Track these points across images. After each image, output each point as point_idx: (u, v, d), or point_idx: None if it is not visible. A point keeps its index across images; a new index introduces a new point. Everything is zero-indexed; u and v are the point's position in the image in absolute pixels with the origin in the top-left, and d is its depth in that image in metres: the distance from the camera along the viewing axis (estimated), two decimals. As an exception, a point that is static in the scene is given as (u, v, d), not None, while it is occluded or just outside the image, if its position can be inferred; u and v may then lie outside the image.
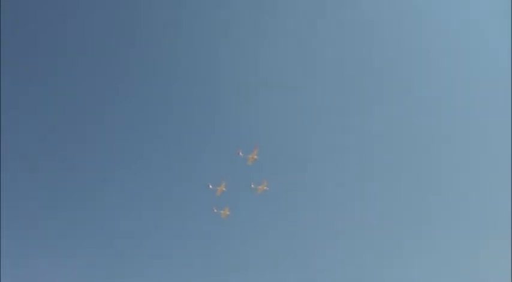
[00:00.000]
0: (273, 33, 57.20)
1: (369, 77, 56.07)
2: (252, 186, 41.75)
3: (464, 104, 53.76)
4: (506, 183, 45.56)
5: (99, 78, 56.47)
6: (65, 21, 53.32)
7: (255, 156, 40.40)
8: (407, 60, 56.13)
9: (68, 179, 54.66)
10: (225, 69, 57.12)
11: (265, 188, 42.33)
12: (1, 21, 49.01)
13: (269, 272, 49.00)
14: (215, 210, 41.33)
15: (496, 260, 41.30)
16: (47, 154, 52.83)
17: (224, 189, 41.23)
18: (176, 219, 53.29)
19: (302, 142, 55.96)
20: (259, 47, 56.98)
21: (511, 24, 49.46)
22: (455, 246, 45.06)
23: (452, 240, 45.99)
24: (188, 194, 52.60)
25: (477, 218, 46.71)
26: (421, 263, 44.85)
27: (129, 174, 53.78)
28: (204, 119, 55.15)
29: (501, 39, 51.27)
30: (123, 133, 55.66)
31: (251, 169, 44.78)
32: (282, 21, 57.44)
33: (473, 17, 54.78)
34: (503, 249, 40.97)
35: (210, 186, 41.20)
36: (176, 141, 55.33)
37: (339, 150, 55.05)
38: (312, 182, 53.28)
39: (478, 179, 49.45)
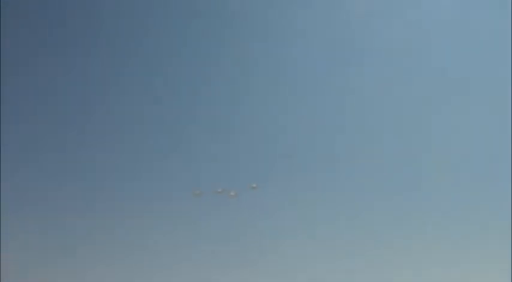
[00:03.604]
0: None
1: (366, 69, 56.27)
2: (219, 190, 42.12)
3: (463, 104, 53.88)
4: (506, 183, 45.64)
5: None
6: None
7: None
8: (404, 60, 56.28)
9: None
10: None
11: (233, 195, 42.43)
12: (1, 21, 49.08)
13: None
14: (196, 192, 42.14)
15: (496, 260, 41.42)
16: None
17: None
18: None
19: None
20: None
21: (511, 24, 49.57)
22: (454, 245, 45.20)
23: (451, 240, 46.13)
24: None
25: (477, 217, 46.85)
26: (419, 263, 45.02)
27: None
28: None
29: (501, 39, 51.39)
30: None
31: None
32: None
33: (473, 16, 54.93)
34: (503, 249, 41.07)
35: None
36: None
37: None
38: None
39: (478, 178, 49.62)
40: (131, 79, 56.92)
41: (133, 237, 46.57)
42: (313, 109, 56.31)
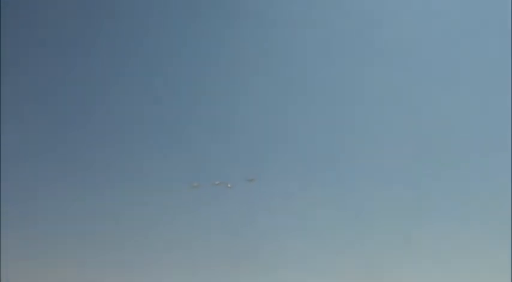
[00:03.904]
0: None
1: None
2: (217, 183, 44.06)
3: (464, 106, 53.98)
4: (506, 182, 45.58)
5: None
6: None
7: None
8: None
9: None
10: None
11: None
12: (1, 21, 49.32)
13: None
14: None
15: (496, 260, 41.33)
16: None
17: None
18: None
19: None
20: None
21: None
22: (453, 245, 45.14)
23: (451, 239, 46.06)
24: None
25: (477, 217, 46.74)
26: (418, 263, 44.94)
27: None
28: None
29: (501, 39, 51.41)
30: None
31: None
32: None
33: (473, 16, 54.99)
34: (503, 249, 40.98)
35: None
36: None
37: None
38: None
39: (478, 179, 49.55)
40: (131, 79, 57.09)
41: (134, 235, 47.16)
42: (311, 107, 56.43)
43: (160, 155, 54.12)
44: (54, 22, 56.57)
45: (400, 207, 49.14)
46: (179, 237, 48.32)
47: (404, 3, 57.69)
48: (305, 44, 58.05)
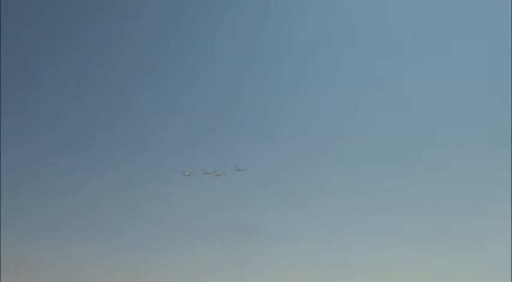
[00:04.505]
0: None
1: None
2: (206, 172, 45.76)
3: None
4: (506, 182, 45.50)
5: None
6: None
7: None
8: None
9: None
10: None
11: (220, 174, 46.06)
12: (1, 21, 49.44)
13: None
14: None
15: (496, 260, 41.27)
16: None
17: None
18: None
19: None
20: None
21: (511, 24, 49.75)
22: (453, 244, 45.11)
23: (451, 238, 46.04)
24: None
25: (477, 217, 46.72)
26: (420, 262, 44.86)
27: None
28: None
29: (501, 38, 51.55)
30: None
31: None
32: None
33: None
34: (503, 249, 40.95)
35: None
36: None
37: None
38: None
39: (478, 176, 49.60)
40: (129, 75, 57.50)
41: (131, 220, 48.37)
42: (304, 103, 56.52)
43: (155, 145, 55.39)
44: (54, 22, 56.60)
45: (398, 203, 49.23)
46: (173, 221, 49.90)
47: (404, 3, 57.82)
48: (303, 43, 58.17)
